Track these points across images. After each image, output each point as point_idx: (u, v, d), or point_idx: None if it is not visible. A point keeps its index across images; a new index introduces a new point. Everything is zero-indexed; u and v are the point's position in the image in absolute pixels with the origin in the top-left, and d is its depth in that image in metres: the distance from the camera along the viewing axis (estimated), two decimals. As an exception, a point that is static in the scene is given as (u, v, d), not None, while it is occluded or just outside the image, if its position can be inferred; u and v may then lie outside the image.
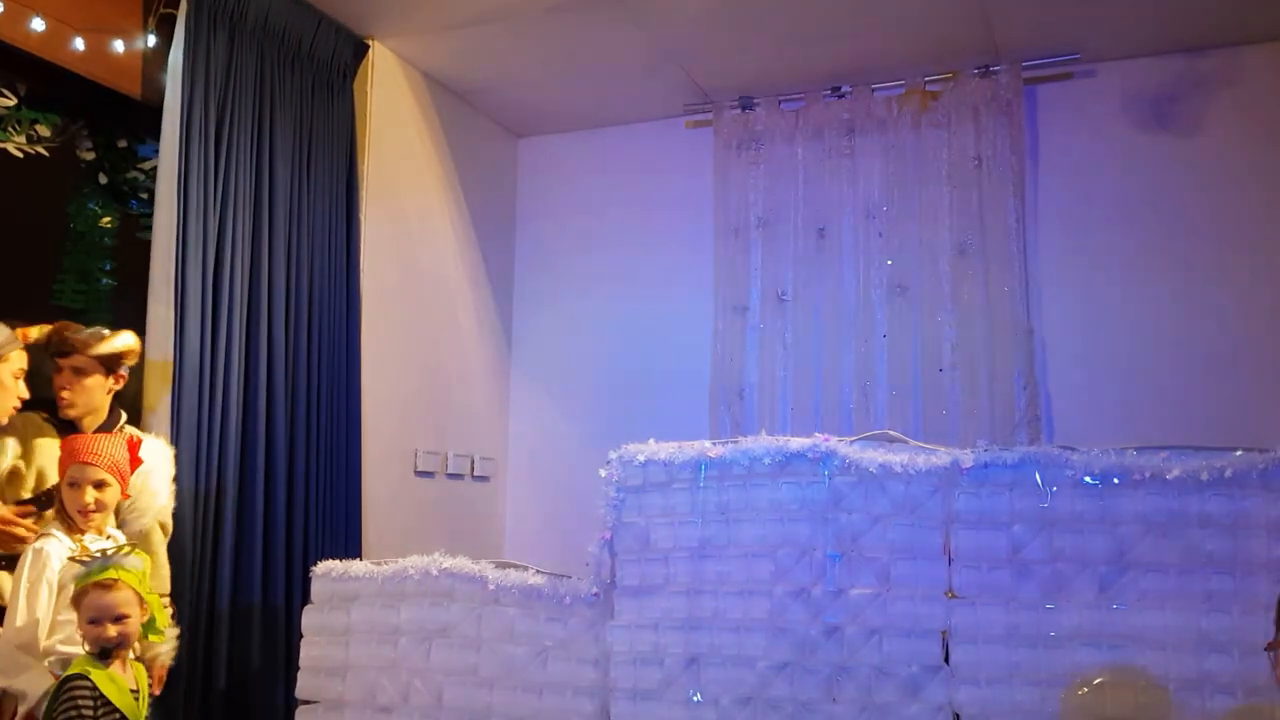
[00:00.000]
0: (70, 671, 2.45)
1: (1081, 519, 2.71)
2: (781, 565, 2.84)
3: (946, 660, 2.76)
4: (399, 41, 4.71)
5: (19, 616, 2.63)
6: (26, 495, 3.03)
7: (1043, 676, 2.67)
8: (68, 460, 2.79)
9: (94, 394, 3.19)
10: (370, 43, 4.66)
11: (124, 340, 3.24)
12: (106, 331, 3.23)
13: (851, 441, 2.91)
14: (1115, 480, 2.68)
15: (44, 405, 3.18)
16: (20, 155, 3.75)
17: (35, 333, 3.17)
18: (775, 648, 2.81)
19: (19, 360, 3.06)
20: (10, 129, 3.72)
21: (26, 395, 3.07)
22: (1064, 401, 4.56)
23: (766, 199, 5.01)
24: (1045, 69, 4.66)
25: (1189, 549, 2.62)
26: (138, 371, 3.48)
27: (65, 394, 3.15)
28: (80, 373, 3.16)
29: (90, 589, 2.49)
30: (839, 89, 4.92)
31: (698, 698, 2.85)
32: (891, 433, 3.01)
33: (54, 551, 2.69)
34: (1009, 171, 4.63)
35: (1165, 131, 4.59)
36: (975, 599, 2.75)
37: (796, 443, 2.89)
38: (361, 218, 4.58)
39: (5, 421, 3.04)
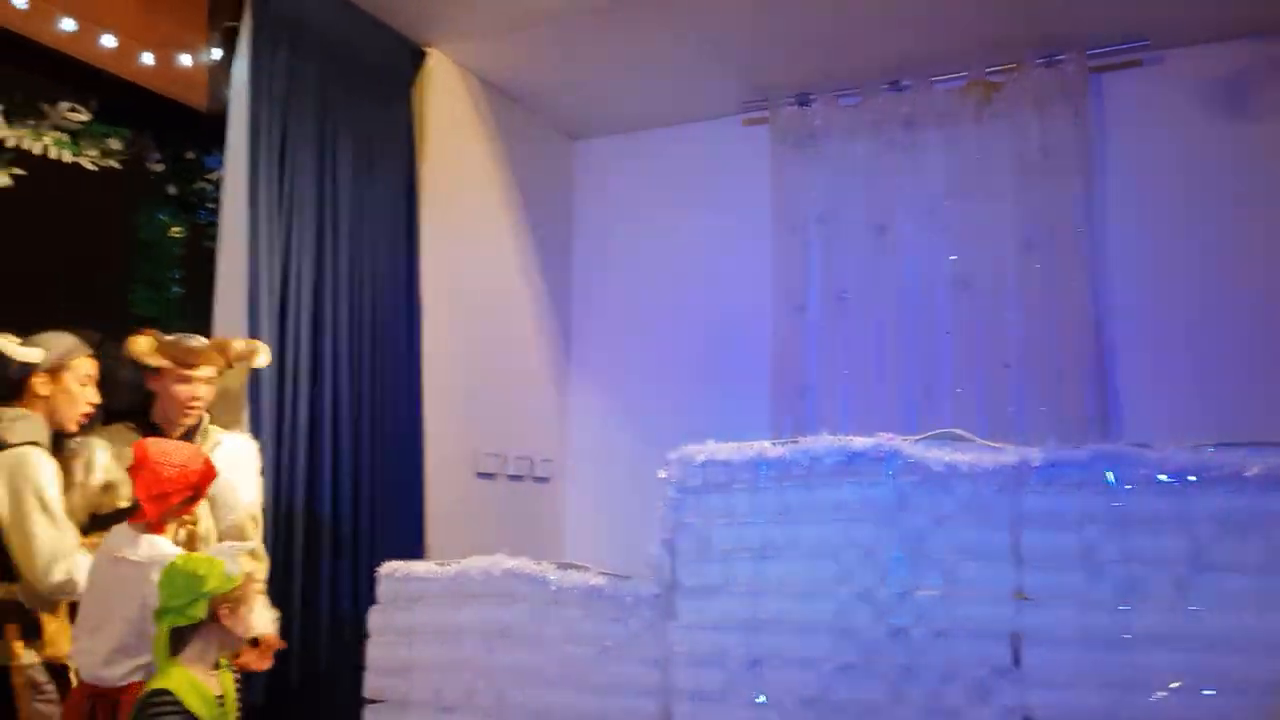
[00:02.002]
0: (155, 685, 2.45)
1: (1156, 518, 2.63)
2: (845, 567, 2.80)
3: (1017, 663, 2.70)
4: (455, 48, 4.75)
5: None
6: (124, 505, 3.10)
7: (1117, 680, 2.60)
8: (209, 476, 2.82)
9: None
10: (427, 50, 4.70)
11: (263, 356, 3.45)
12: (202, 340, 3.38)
13: (916, 440, 2.86)
14: (1191, 478, 2.60)
15: (120, 413, 3.25)
16: (94, 168, 3.85)
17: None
18: (840, 650, 2.77)
19: (85, 367, 3.14)
20: (84, 143, 3.82)
21: (98, 400, 3.15)
22: (1135, 397, 4.46)
23: (825, 196, 4.97)
24: (1111, 57, 4.57)
25: (1270, 548, 2.54)
26: None
27: (199, 402, 3.28)
28: (212, 382, 3.31)
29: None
30: (898, 83, 4.86)
31: (761, 699, 2.83)
32: (957, 431, 2.94)
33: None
34: (1075, 162, 4.55)
35: (1237, 118, 4.47)
36: (1046, 600, 2.69)
37: (859, 442, 2.84)
38: (421, 223, 4.62)
39: (74, 429, 3.11)
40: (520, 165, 5.30)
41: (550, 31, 4.57)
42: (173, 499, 2.73)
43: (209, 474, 2.83)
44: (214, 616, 2.51)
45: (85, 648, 2.68)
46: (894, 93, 4.88)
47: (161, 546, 2.71)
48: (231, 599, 2.57)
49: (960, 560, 2.74)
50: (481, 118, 5.06)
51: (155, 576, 2.59)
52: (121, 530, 2.78)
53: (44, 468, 2.95)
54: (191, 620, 2.49)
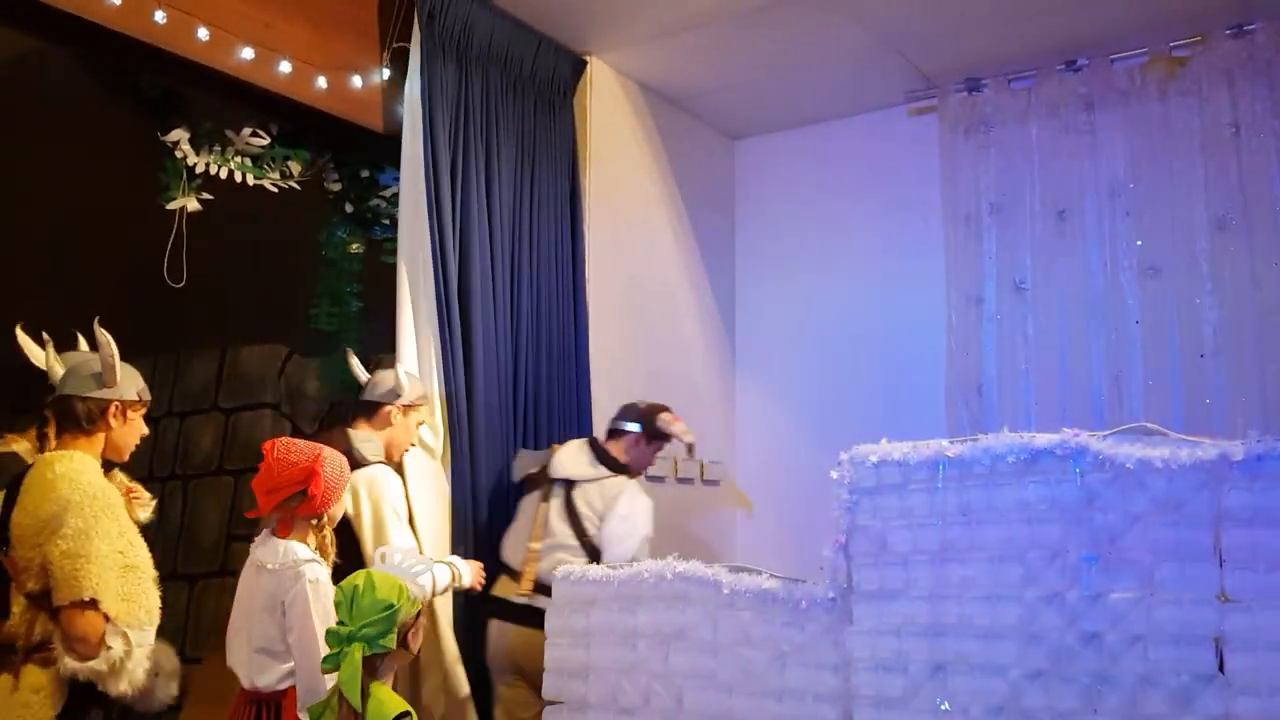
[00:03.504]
0: (400, 709, 2.49)
1: (1374, 513, 2.43)
2: (1031, 569, 2.69)
3: (1221, 669, 2.54)
4: (615, 55, 4.79)
5: (322, 647, 2.60)
6: None
7: (1336, 688, 2.42)
8: (315, 473, 2.71)
9: None
10: (588, 59, 4.76)
11: None
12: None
13: (1104, 436, 2.73)
14: None
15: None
16: (276, 190, 4.04)
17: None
18: (1028, 656, 2.66)
19: (424, 413, 3.64)
20: (266, 166, 4.01)
21: (415, 442, 3.62)
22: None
23: (999, 183, 4.80)
24: (1309, 22, 4.25)
25: None
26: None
27: None
28: None
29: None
30: (1074, 62, 4.65)
31: (945, 706, 2.74)
32: (1149, 425, 2.79)
33: (325, 578, 2.73)
34: (1271, 137, 4.27)
35: None
36: (1252, 603, 2.52)
37: (1043, 439, 2.73)
38: (585, 229, 4.68)
39: (397, 459, 3.54)
40: (681, 167, 5.31)
41: (708, 34, 4.56)
42: (280, 493, 2.67)
43: (315, 471, 2.70)
44: (400, 641, 2.55)
45: (240, 658, 2.69)
46: (1069, 73, 4.66)
47: (296, 552, 2.68)
48: (415, 625, 2.61)
49: (1157, 561, 2.60)
50: (642, 122, 5.10)
51: (287, 581, 2.63)
52: (264, 538, 2.75)
53: (396, 484, 3.37)
54: (385, 650, 2.49)
